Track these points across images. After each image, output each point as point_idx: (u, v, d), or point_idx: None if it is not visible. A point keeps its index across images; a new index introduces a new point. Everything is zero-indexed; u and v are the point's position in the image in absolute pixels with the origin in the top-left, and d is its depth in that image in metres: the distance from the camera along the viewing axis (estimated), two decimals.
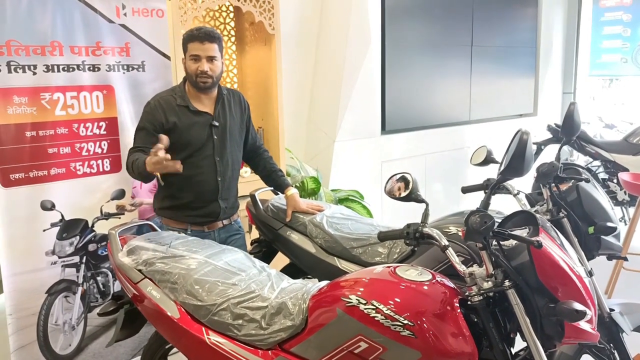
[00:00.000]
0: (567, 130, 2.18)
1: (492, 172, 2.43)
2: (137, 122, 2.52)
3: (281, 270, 2.89)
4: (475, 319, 1.51)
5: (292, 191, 2.71)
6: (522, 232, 1.49)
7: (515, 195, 2.30)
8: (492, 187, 1.52)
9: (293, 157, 4.11)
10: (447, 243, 1.58)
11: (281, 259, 2.86)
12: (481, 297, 1.47)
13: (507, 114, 6.24)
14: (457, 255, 1.63)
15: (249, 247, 2.84)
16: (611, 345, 2.11)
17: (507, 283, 1.42)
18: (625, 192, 5.47)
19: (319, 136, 4.53)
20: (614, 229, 2.05)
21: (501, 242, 1.47)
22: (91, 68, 2.79)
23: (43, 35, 2.60)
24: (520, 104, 6.44)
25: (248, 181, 3.43)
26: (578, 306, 1.31)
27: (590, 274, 2.14)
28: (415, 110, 5.17)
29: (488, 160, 2.44)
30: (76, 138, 2.76)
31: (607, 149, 5.59)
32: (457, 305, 1.49)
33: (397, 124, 4.96)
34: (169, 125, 2.43)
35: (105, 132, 2.86)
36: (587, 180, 2.15)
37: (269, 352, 1.68)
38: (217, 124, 2.52)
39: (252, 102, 3.86)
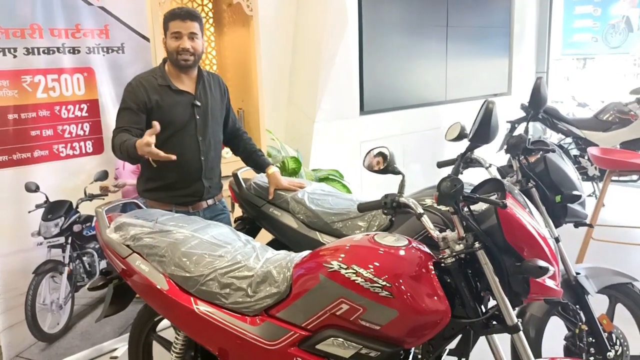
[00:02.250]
0: (534, 104, 2.28)
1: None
2: (119, 104, 2.55)
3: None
4: (449, 280, 1.61)
5: (273, 169, 2.78)
6: (491, 197, 1.59)
7: (487, 168, 2.40)
8: (462, 155, 1.61)
9: (274, 139, 4.17)
10: (422, 211, 1.68)
11: (265, 236, 2.94)
12: (453, 259, 1.57)
13: (482, 93, 6.37)
14: (434, 225, 1.73)
15: (233, 226, 2.91)
16: (577, 306, 2.24)
17: (476, 245, 1.53)
18: (595, 168, 5.66)
19: (299, 117, 4.59)
20: (579, 196, 2.18)
21: (471, 208, 1.57)
22: (71, 50, 2.81)
23: (23, 18, 2.62)
24: (494, 83, 6.58)
25: (230, 161, 3.48)
26: (541, 263, 1.42)
27: (557, 240, 2.27)
28: (392, 91, 5.27)
29: (461, 135, 2.53)
30: (58, 120, 2.79)
31: (578, 126, 5.76)
32: (432, 267, 1.59)
33: (375, 104, 5.05)
34: (151, 104, 2.45)
35: (87, 114, 2.89)
36: (553, 151, 2.26)
37: (256, 318, 1.77)
38: (199, 103, 2.55)
39: (231, 84, 3.91)
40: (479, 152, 2.50)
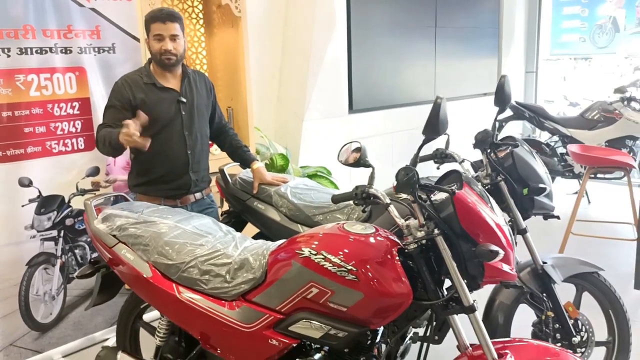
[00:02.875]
0: (499, 101, 2.40)
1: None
2: None
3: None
4: (412, 265, 1.72)
5: (258, 165, 2.89)
6: (453, 187, 1.71)
7: (460, 163, 2.52)
8: (420, 147, 1.72)
9: (263, 136, 4.29)
10: (389, 201, 1.79)
11: (251, 230, 3.05)
12: (415, 245, 1.68)
13: (470, 92, 6.48)
14: (406, 217, 1.84)
15: (220, 220, 3.02)
16: (544, 294, 2.36)
17: (436, 231, 1.64)
18: (581, 165, 5.78)
19: (288, 116, 4.70)
20: (544, 189, 2.29)
21: (432, 198, 1.68)
22: (63, 50, 2.92)
23: (15, 19, 2.72)
24: (483, 83, 6.69)
25: (219, 158, 3.59)
26: (492, 247, 1.53)
27: (524, 231, 2.39)
28: (381, 90, 5.38)
29: None
30: (51, 118, 2.90)
31: (564, 125, 5.88)
32: (396, 253, 1.70)
33: (364, 103, 5.16)
34: (136, 102, 2.54)
35: (78, 112, 3.00)
36: (517, 146, 2.37)
37: (234, 302, 1.88)
38: (184, 99, 2.65)
39: (221, 83, 4.02)
40: (457, 148, 2.62)
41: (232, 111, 3.93)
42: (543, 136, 6.57)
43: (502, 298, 2.36)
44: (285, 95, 4.72)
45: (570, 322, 2.36)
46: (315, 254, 1.71)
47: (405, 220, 1.76)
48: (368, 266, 1.65)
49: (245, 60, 3.78)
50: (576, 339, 2.34)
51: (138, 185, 2.73)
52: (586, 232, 4.24)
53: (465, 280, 1.66)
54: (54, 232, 2.97)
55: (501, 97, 2.34)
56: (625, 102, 5.61)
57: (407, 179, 1.59)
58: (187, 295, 1.94)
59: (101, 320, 3.18)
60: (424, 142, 1.72)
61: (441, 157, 2.58)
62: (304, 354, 1.86)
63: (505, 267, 1.67)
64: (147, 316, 2.53)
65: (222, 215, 3.05)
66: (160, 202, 2.66)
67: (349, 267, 1.66)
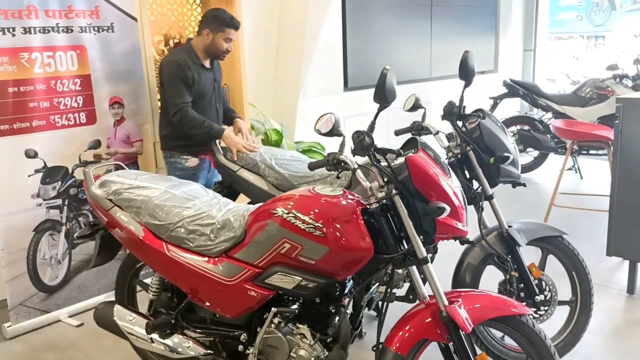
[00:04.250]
0: (463, 75, 2.54)
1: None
2: (166, 79, 3.09)
3: None
4: (375, 224, 1.90)
5: (237, 120, 3.35)
6: (409, 152, 1.88)
7: (435, 135, 2.68)
8: (376, 115, 1.89)
9: (258, 112, 4.46)
10: (356, 167, 1.96)
11: (243, 200, 3.24)
12: (377, 205, 1.86)
13: None
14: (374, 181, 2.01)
15: (212, 188, 3.22)
16: (510, 256, 2.53)
17: (394, 192, 1.81)
18: (574, 142, 5.90)
19: (284, 93, 4.86)
20: (508, 157, 2.45)
21: (389, 161, 1.85)
22: (65, 30, 3.10)
23: (19, 0, 2.90)
24: (481, 61, 6.78)
25: None
26: (440, 204, 1.71)
27: (491, 197, 2.55)
28: (376, 68, 5.46)
29: (416, 106, 2.82)
30: (54, 93, 3.09)
31: (558, 102, 5.98)
32: (360, 213, 1.88)
33: (359, 81, 5.30)
34: (194, 80, 3.07)
35: (80, 88, 3.19)
36: (484, 118, 2.53)
37: (217, 258, 2.08)
38: (216, 79, 3.28)
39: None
40: (435, 122, 2.79)
41: (228, 88, 4.10)
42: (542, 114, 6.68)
43: (470, 259, 2.54)
44: (282, 73, 4.87)
45: (534, 282, 2.53)
46: (288, 213, 1.90)
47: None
48: (334, 224, 1.83)
49: (240, 38, 3.94)
50: (539, 297, 2.51)
51: (179, 147, 3.21)
52: (570, 205, 4.39)
53: (421, 236, 1.83)
54: (59, 201, 3.19)
55: (465, 71, 2.49)
56: (618, 80, 5.70)
57: (358, 141, 1.76)
58: (175, 252, 2.14)
59: (105, 283, 3.41)
60: (379, 111, 1.88)
61: (418, 129, 2.74)
62: (282, 304, 2.06)
63: (458, 225, 1.85)
64: (143, 275, 2.74)
65: (214, 185, 3.24)
66: (196, 156, 3.24)
67: (317, 225, 1.84)
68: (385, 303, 1.98)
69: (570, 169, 6.03)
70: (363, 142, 1.77)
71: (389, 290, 1.99)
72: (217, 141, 3.21)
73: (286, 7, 4.78)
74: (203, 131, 3.03)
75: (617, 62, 5.96)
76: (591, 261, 2.96)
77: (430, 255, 2.24)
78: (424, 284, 1.94)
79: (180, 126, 3.08)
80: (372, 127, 1.96)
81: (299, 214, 1.88)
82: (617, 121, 3.19)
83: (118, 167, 2.61)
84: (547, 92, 6.07)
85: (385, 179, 1.85)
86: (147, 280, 2.52)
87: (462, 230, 1.85)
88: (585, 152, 5.80)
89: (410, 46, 5.82)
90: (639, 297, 3.26)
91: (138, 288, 2.66)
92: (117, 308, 2.35)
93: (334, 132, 2.13)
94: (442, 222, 1.79)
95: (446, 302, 1.81)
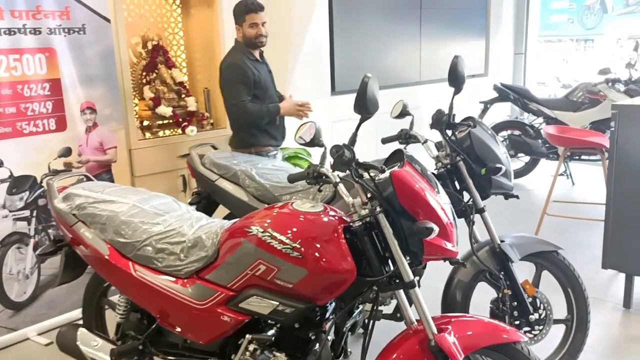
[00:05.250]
0: (453, 81, 2.40)
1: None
2: (224, 81, 3.17)
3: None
4: (359, 243, 1.75)
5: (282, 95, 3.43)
6: (395, 166, 1.73)
7: (423, 143, 2.53)
8: (357, 127, 1.74)
9: None
10: (338, 180, 1.81)
11: (223, 211, 3.08)
12: (360, 223, 1.71)
13: None
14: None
15: (189, 199, 3.05)
16: (502, 273, 2.39)
17: (378, 209, 1.66)
18: (566, 148, 5.79)
19: None
20: (500, 169, 2.31)
21: (372, 175, 1.70)
22: (32, 31, 2.92)
23: None
24: (471, 64, 6.66)
25: (193, 140, 3.62)
26: (428, 224, 1.56)
27: (482, 210, 2.41)
28: (364, 72, 5.33)
29: (403, 113, 2.68)
30: (21, 99, 2.91)
31: (549, 107, 5.87)
32: (342, 231, 1.73)
33: (346, 84, 5.15)
34: (255, 78, 3.12)
35: (49, 93, 3.01)
36: (475, 126, 2.39)
37: (187, 280, 1.92)
38: (270, 70, 3.32)
39: (199, 64, 4.03)
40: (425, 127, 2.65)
41: (209, 92, 3.94)
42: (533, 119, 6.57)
43: (460, 276, 2.39)
44: None
45: (529, 300, 2.40)
46: (263, 232, 1.74)
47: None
48: (313, 244, 1.68)
49: (220, 40, 3.78)
50: (533, 316, 2.37)
51: (253, 145, 3.23)
52: (563, 213, 4.27)
53: (407, 257, 1.69)
54: (27, 212, 3.00)
55: (455, 77, 2.35)
56: (610, 84, 5.60)
57: (337, 156, 1.61)
58: (142, 273, 1.97)
59: (77, 298, 3.22)
60: (360, 122, 1.74)
61: (406, 137, 2.60)
62: (258, 329, 1.90)
63: (448, 245, 1.70)
64: (113, 292, 2.57)
65: (192, 195, 3.08)
66: (269, 149, 3.30)
67: (294, 245, 1.69)
68: (372, 321, 1.83)
69: (561, 174, 5.92)
70: (342, 157, 1.62)
71: (375, 307, 1.84)
72: (195, 149, 3.05)
73: (271, 8, 4.61)
74: (264, 116, 3.11)
75: (609, 66, 5.87)
76: (585, 272, 2.83)
77: (417, 278, 2.09)
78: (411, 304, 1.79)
79: (244, 124, 3.17)
80: (353, 139, 1.81)
81: (275, 233, 1.72)
82: (612, 128, 3.07)
83: (84, 178, 2.44)
84: (539, 97, 5.96)
85: (369, 195, 1.70)
86: (116, 298, 2.35)
87: (452, 251, 1.70)
88: (577, 157, 5.70)
89: (400, 49, 5.69)
90: (636, 312, 3.13)
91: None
92: (81, 332, 2.18)
93: (314, 142, 1.97)
94: (430, 242, 1.64)
95: (435, 330, 1.66)
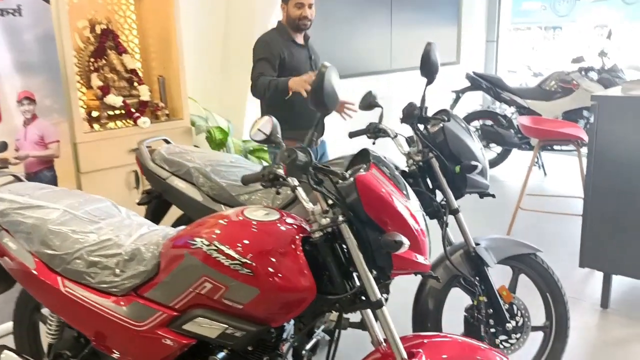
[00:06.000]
0: (426, 71, 2.20)
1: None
2: (253, 59, 2.99)
3: (175, 222, 2.87)
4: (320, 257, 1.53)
5: None
6: (360, 169, 1.51)
7: (393, 138, 2.33)
8: (315, 125, 1.50)
9: (206, 108, 4.04)
10: (296, 183, 1.58)
11: (177, 213, 2.83)
12: (321, 233, 1.49)
13: None
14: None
15: (139, 199, 2.79)
16: (477, 278, 2.21)
17: (340, 218, 1.45)
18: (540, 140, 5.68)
19: (233, 87, 4.43)
20: (476, 166, 2.12)
21: (334, 180, 1.48)
22: None
23: None
24: (443, 52, 6.46)
25: (147, 132, 3.34)
26: (397, 237, 1.35)
27: (456, 211, 2.22)
28: (333, 61, 5.02)
29: (372, 104, 2.47)
30: None
31: (522, 96, 5.75)
32: (300, 243, 1.51)
33: None
34: (284, 56, 2.95)
35: None
36: (448, 120, 2.19)
37: (124, 298, 1.67)
38: (312, 56, 3.14)
39: (153, 50, 3.74)
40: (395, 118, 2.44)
41: (164, 80, 3.65)
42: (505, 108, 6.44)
43: (432, 282, 2.20)
44: (229, 65, 4.44)
45: (505, 306, 2.23)
46: (208, 245, 1.51)
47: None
48: (266, 258, 1.46)
49: (176, 25, 3.51)
50: (510, 325, 2.21)
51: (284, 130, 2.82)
52: (537, 207, 4.14)
53: (374, 272, 1.48)
54: None
55: (428, 67, 2.14)
56: (583, 72, 5.50)
57: (290, 161, 1.39)
58: (73, 290, 1.72)
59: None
60: (319, 119, 1.52)
61: (374, 131, 2.39)
62: (208, 352, 1.67)
63: (419, 258, 1.50)
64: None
65: (142, 194, 2.81)
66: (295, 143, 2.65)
67: (244, 260, 1.46)
68: (337, 331, 1.63)
69: (534, 165, 5.81)
70: (296, 162, 1.40)
71: (341, 316, 1.64)
72: (145, 142, 2.78)
73: None
74: (272, 90, 2.83)
75: (581, 54, 5.76)
76: (561, 269, 2.68)
77: (385, 296, 1.89)
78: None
79: (263, 106, 3.04)
80: (310, 140, 1.58)
81: (222, 247, 1.49)
82: (588, 119, 2.92)
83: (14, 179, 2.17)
84: (511, 86, 5.83)
85: (330, 202, 1.48)
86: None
87: (424, 264, 1.50)
88: (550, 147, 5.59)
89: (370, 36, 5.47)
90: (613, 312, 3.01)
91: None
92: (6, 354, 1.92)
93: (271, 139, 1.74)
94: (400, 256, 1.44)
95: (404, 355, 1.46)
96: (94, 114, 3.39)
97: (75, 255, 1.73)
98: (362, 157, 1.58)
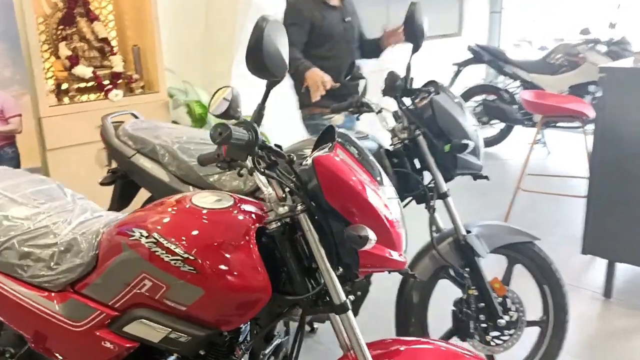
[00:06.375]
0: (410, 35, 1.96)
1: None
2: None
3: (142, 205, 2.65)
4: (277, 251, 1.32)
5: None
6: (325, 149, 1.29)
7: (377, 113, 2.10)
8: (264, 98, 1.27)
9: (186, 81, 3.81)
10: (253, 166, 1.36)
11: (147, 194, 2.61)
12: (278, 224, 1.28)
13: (429, 34, 5.97)
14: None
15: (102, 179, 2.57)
16: (468, 269, 2.00)
17: (299, 207, 1.23)
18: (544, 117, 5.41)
19: (215, 59, 4.19)
20: (467, 145, 1.88)
21: (293, 162, 1.25)
22: None
23: None
24: (443, 24, 6.19)
25: (120, 105, 3.11)
26: (362, 231, 1.13)
27: (445, 195, 2.00)
28: None
29: (356, 76, 2.24)
30: None
31: (526, 69, 5.47)
32: (254, 234, 1.29)
33: None
34: (314, 20, 2.73)
35: None
36: (438, 93, 1.95)
37: (60, 294, 1.47)
38: (346, 18, 2.84)
39: (127, 18, 3.48)
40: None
41: (139, 50, 3.40)
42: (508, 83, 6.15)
43: (417, 273, 1.99)
44: (212, 36, 4.19)
45: (498, 300, 2.02)
46: (147, 237, 1.30)
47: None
48: (211, 254, 1.25)
49: None
50: (502, 320, 2.00)
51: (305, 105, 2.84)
52: (539, 188, 3.91)
53: (340, 270, 1.27)
54: None
55: (412, 30, 1.90)
56: (591, 45, 5.20)
57: (221, 140, 1.16)
58: (4, 284, 1.52)
59: None
60: (267, 89, 1.29)
61: (357, 106, 2.16)
62: (158, 355, 1.47)
63: (393, 254, 1.28)
64: None
65: (107, 173, 2.59)
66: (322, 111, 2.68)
67: (187, 256, 1.25)
68: (300, 333, 1.42)
69: (537, 142, 5.56)
70: (230, 140, 1.16)
71: (301, 331, 1.43)
72: (109, 118, 2.55)
73: None
74: (294, 70, 2.59)
75: (588, 26, 5.45)
76: (560, 255, 2.47)
77: (359, 293, 1.68)
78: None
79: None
80: (258, 114, 1.35)
81: (163, 240, 1.28)
82: (595, 93, 2.67)
83: None
84: (515, 59, 5.54)
85: (287, 190, 1.26)
86: None
87: (398, 261, 1.28)
88: (554, 124, 5.33)
89: (365, 9, 5.17)
90: (617, 302, 2.80)
91: None
92: None
93: (230, 113, 1.51)
94: (368, 252, 1.22)
95: None
96: (64, 86, 3.16)
97: (5, 245, 1.53)
98: (326, 136, 1.35)
